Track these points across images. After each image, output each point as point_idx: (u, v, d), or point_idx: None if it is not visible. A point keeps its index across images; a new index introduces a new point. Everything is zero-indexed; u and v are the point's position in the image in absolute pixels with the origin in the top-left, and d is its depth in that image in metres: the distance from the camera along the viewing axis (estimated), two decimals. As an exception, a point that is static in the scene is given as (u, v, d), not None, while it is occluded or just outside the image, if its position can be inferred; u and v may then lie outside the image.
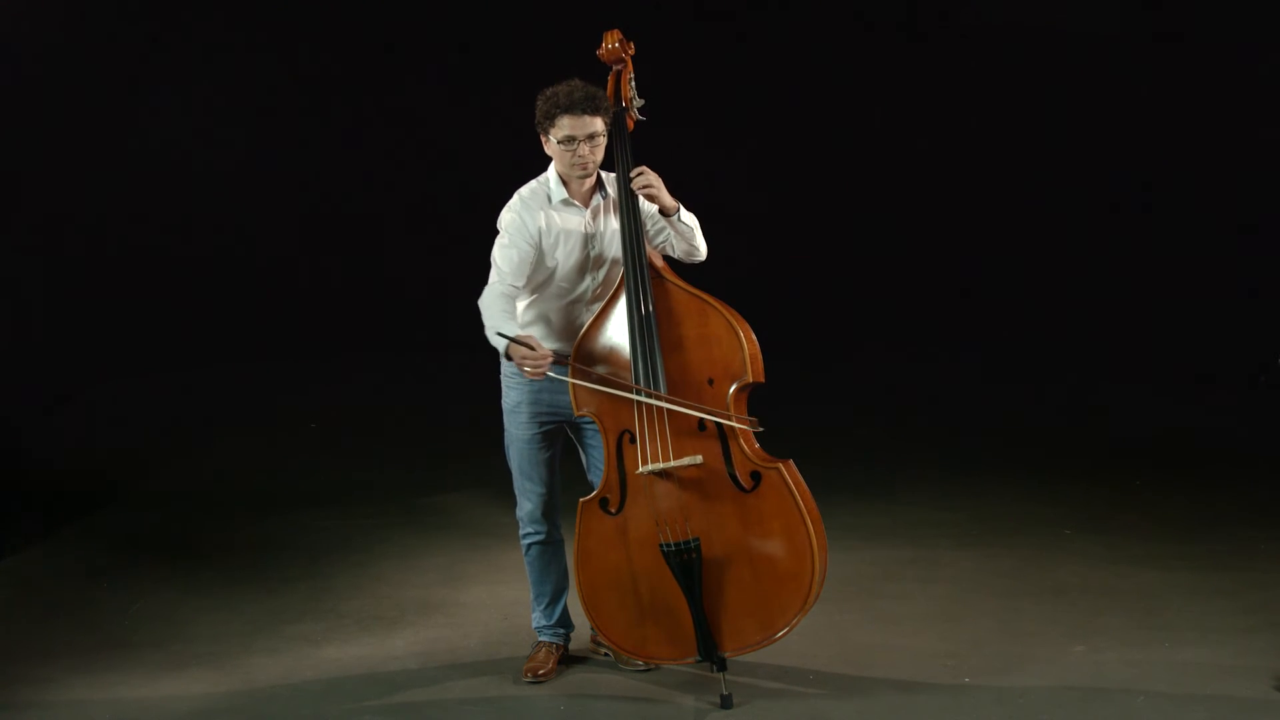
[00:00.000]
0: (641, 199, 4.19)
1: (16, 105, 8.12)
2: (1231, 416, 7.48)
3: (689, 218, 4.24)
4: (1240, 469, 6.59)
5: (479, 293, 4.17)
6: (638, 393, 4.07)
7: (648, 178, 4.14)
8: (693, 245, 4.29)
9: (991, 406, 7.96)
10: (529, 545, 4.45)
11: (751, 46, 9.24)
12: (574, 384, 4.15)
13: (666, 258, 4.29)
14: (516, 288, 4.17)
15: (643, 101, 4.29)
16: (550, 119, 4.14)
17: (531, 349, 3.98)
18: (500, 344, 4.04)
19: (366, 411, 8.31)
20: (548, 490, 4.40)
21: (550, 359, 3.99)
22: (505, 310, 4.09)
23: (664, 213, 4.18)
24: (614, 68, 4.30)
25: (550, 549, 4.45)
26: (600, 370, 4.17)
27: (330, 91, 9.30)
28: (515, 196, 4.26)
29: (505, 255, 4.17)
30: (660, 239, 4.29)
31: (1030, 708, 4.00)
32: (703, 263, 4.36)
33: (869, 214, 9.47)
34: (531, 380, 4.23)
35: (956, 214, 9.36)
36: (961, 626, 4.68)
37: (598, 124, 4.14)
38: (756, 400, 4.16)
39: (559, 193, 4.22)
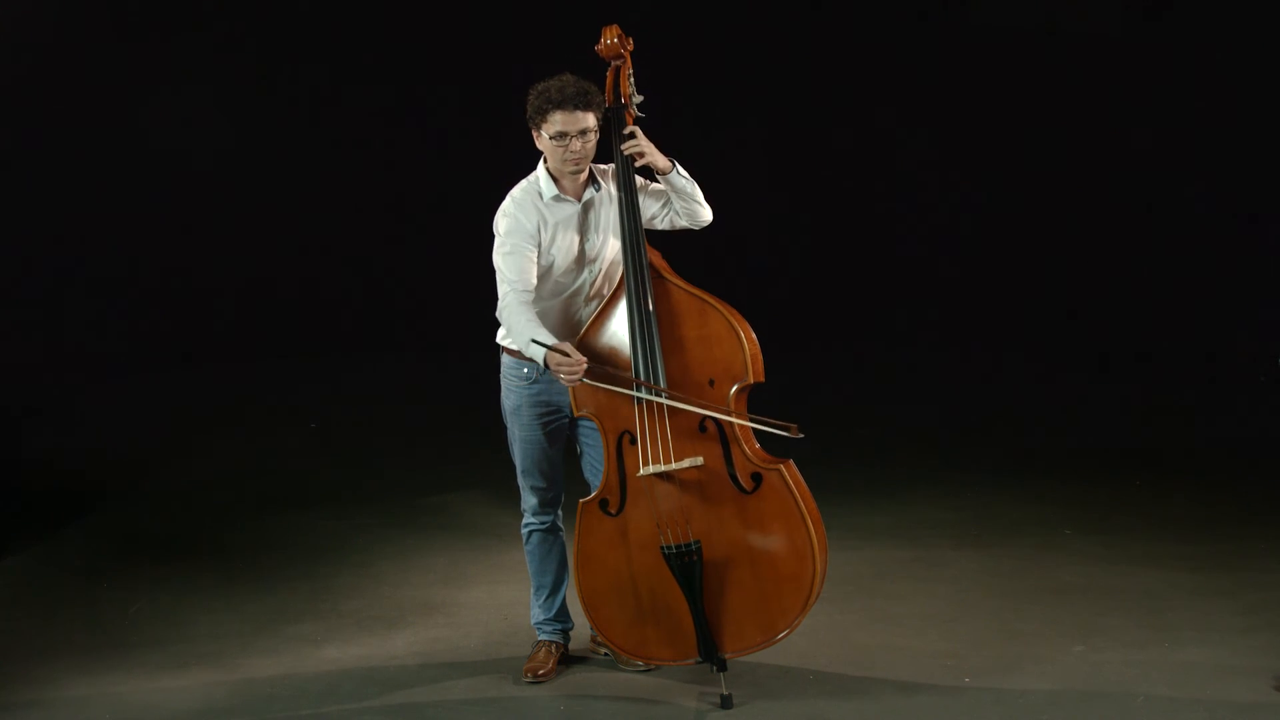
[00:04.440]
0: (640, 190, 4.19)
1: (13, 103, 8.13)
2: (1232, 417, 7.48)
3: (685, 175, 4.21)
4: (1241, 469, 6.58)
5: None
6: (659, 394, 4.04)
7: (638, 140, 4.13)
8: (695, 206, 4.26)
9: (992, 406, 7.95)
10: (529, 533, 4.46)
11: (750, 43, 9.25)
12: (574, 385, 4.14)
13: (667, 257, 4.26)
14: (530, 291, 4.16)
15: (642, 98, 4.24)
16: (542, 114, 4.12)
17: (568, 355, 3.99)
18: (538, 353, 4.03)
19: (366, 411, 8.30)
20: (550, 486, 4.42)
21: (586, 365, 4.00)
22: (531, 319, 4.09)
23: (659, 173, 4.17)
24: (613, 63, 4.24)
25: (550, 537, 4.47)
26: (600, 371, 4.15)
27: (330, 91, 9.30)
28: (507, 199, 4.24)
29: (510, 262, 4.16)
30: (665, 215, 4.28)
31: (1030, 708, 4.00)
32: (707, 232, 4.32)
33: (868, 212, 9.48)
34: (531, 382, 4.24)
35: (957, 213, 9.36)
36: (961, 626, 4.68)
37: (590, 119, 4.12)
38: (758, 399, 4.16)
39: (550, 189, 4.20)
